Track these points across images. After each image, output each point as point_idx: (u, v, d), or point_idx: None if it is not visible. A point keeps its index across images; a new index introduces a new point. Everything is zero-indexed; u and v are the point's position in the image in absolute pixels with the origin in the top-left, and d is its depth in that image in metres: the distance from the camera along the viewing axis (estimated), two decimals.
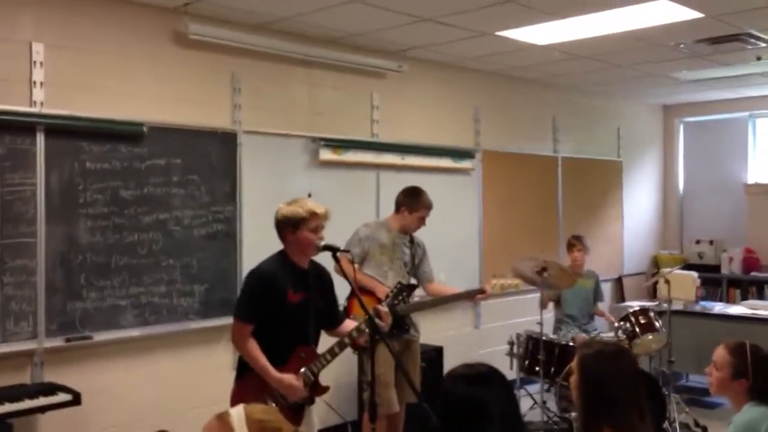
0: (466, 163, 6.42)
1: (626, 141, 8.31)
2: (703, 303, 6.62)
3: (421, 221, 4.63)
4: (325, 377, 3.44)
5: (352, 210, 5.15)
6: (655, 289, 6.79)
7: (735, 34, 5.27)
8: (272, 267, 3.34)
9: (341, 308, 4.26)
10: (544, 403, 5.06)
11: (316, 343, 3.46)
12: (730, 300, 7.75)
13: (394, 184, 5.08)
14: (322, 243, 3.32)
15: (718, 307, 6.57)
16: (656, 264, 8.42)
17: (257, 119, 5.02)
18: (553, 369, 4.98)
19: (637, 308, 5.40)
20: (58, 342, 4.10)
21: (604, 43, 5.54)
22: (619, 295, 8.18)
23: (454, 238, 6.21)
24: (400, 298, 3.59)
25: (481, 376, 1.98)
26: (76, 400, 3.84)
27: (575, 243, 5.91)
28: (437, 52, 5.86)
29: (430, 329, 5.22)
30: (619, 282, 8.24)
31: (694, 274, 6.57)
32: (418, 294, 4.71)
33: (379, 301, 3.67)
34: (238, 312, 3.34)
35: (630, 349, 4.98)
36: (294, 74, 5.27)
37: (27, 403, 3.67)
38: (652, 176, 8.79)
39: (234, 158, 4.87)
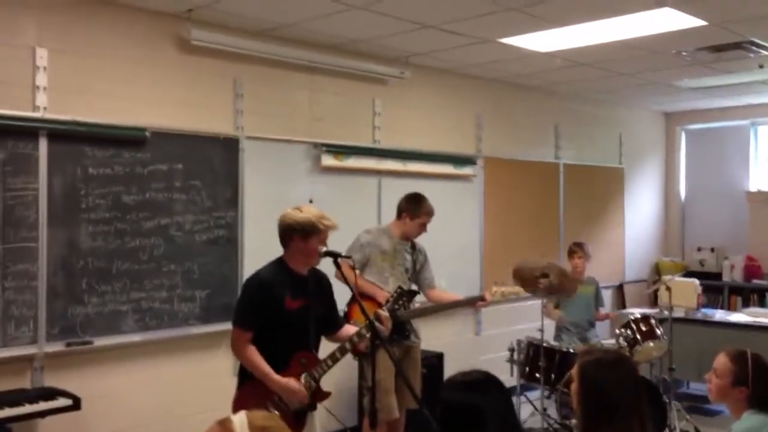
0: (467, 170, 6.43)
1: (628, 148, 8.31)
2: (704, 310, 6.61)
3: (423, 228, 4.63)
4: (326, 383, 3.43)
5: (353, 216, 5.16)
6: (656, 297, 6.78)
7: (737, 42, 5.28)
8: (270, 274, 3.34)
9: (341, 314, 4.27)
10: (545, 410, 5.05)
11: (316, 349, 3.46)
12: (731, 307, 7.73)
13: (395, 191, 5.09)
14: (324, 249, 3.32)
15: (720, 315, 6.57)
16: (657, 271, 8.42)
17: (259, 125, 5.03)
18: (553, 376, 4.97)
19: (639, 315, 5.39)
20: (58, 347, 4.10)
21: (606, 51, 5.55)
22: (620, 302, 8.17)
23: (456, 245, 6.22)
24: (401, 302, 3.59)
25: (477, 382, 1.99)
26: (77, 405, 3.84)
27: (576, 250, 5.91)
28: (439, 58, 5.87)
29: (430, 335, 5.22)
30: (620, 289, 8.24)
31: (696, 281, 6.56)
32: (419, 300, 4.71)
33: (380, 306, 3.67)
34: (236, 320, 3.34)
35: (631, 356, 4.98)
36: (296, 80, 5.28)
37: (27, 408, 3.67)
38: (653, 183, 8.79)
39: (236, 164, 4.88)
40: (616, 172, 8.16)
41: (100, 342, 4.25)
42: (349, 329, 3.54)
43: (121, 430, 4.39)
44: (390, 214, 4.83)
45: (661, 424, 4.85)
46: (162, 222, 4.51)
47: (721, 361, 2.91)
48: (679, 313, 6.14)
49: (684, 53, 5.67)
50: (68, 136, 4.13)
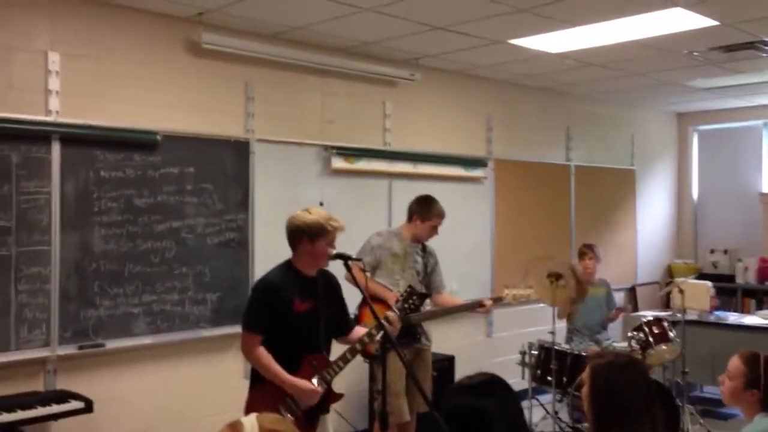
0: (478, 172, 6.41)
1: (640, 149, 8.27)
2: (717, 313, 6.56)
3: (434, 230, 4.62)
4: (336, 386, 3.43)
5: (364, 218, 5.16)
6: (668, 299, 6.74)
7: (749, 41, 5.25)
8: (278, 277, 3.34)
9: (352, 316, 4.27)
10: (556, 413, 5.03)
11: (328, 351, 3.45)
12: (744, 310, 7.66)
13: (406, 193, 5.09)
14: (334, 251, 3.32)
15: (733, 317, 6.52)
16: (670, 273, 8.37)
17: (270, 128, 5.04)
18: (565, 379, 4.94)
19: (651, 318, 5.36)
20: (71, 349, 4.12)
21: (618, 51, 5.52)
22: (633, 305, 8.12)
23: (466, 247, 6.20)
24: (410, 301, 3.58)
25: (482, 385, 1.97)
26: (89, 407, 3.86)
27: (587, 251, 5.89)
28: (449, 60, 5.86)
29: (441, 338, 5.20)
30: (632, 291, 8.19)
31: (709, 283, 6.51)
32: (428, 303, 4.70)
33: (391, 308, 3.66)
34: (246, 324, 3.34)
35: (643, 359, 4.96)
36: (306, 83, 5.29)
37: (39, 411, 3.69)
38: (665, 185, 8.74)
39: (247, 166, 4.89)
40: (627, 173, 8.12)
41: (112, 345, 4.27)
42: (360, 331, 3.53)
43: None
44: (401, 217, 4.82)
45: (675, 427, 4.82)
46: (173, 225, 4.53)
47: (734, 363, 2.89)
48: (692, 316, 6.09)
49: (696, 53, 5.64)
50: (80, 140, 4.16)
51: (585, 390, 2.31)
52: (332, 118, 5.44)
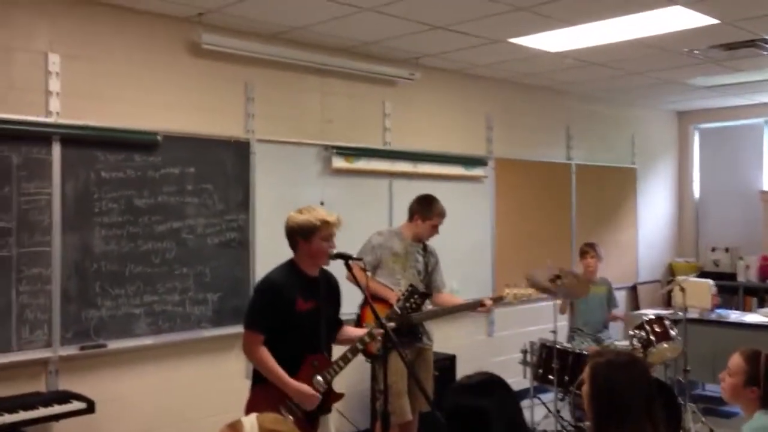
0: (478, 171, 6.41)
1: (640, 148, 8.27)
2: (719, 311, 6.56)
3: (435, 229, 4.62)
4: (338, 386, 3.43)
5: (364, 218, 5.16)
6: (670, 297, 6.74)
7: (750, 39, 5.24)
8: (281, 276, 3.34)
9: (354, 316, 4.28)
10: (558, 412, 5.03)
11: (329, 351, 3.46)
12: (746, 308, 7.66)
13: (406, 192, 5.09)
14: (334, 251, 3.32)
15: (734, 316, 6.51)
16: (671, 272, 8.36)
17: (270, 128, 5.04)
18: (566, 377, 4.94)
19: (652, 316, 5.35)
20: (72, 350, 4.13)
21: (618, 50, 5.52)
22: (634, 303, 8.12)
23: (467, 246, 6.20)
24: (411, 300, 3.58)
25: (481, 385, 1.98)
26: (90, 408, 3.86)
27: (588, 250, 5.89)
28: (449, 59, 5.86)
29: (443, 338, 5.21)
30: (633, 290, 8.19)
31: (710, 281, 6.51)
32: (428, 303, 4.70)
33: (392, 307, 3.66)
34: (248, 323, 3.34)
35: (645, 357, 4.95)
36: (306, 83, 5.29)
37: (41, 411, 3.69)
38: (666, 183, 8.74)
39: (247, 167, 4.89)
40: (628, 172, 8.12)
41: (114, 345, 4.28)
42: (348, 330, 3.54)
43: None
44: (401, 216, 4.82)
45: (676, 426, 4.81)
46: (174, 225, 4.53)
47: (735, 360, 2.89)
48: (693, 314, 6.10)
49: (696, 51, 5.64)
50: (81, 141, 4.16)
51: (585, 389, 2.31)
52: (332, 118, 5.44)
